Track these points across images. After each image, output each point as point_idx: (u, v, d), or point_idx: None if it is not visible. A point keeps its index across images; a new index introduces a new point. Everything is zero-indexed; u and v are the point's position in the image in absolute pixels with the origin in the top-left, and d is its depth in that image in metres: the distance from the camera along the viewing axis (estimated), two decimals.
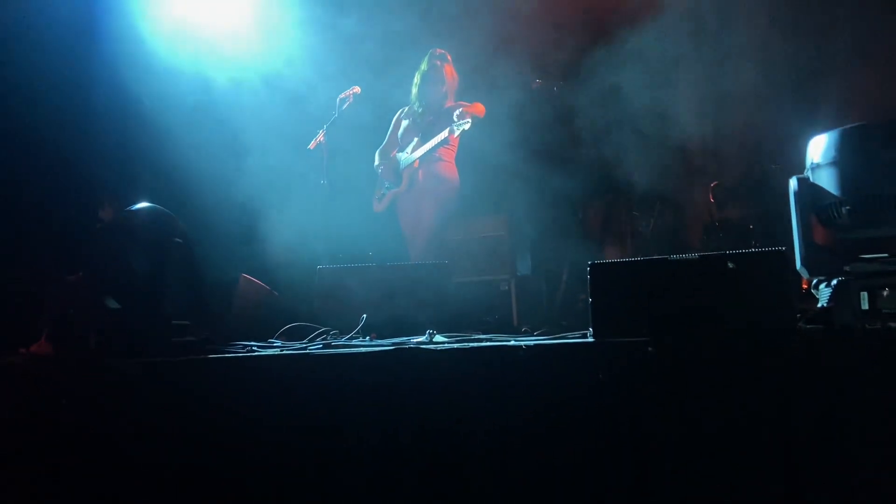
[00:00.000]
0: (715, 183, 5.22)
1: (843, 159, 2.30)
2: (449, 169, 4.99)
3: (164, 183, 4.42)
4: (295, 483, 2.34)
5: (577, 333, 2.70)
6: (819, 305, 2.35)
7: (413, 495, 2.27)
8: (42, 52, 4.22)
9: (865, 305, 2.21)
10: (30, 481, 2.45)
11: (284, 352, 2.66)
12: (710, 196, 5.22)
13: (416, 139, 5.02)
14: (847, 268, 2.28)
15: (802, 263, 2.39)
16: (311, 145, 4.84)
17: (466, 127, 4.66)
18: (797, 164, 2.57)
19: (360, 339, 2.95)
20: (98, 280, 2.79)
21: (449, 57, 5.07)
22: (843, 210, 2.30)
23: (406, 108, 5.23)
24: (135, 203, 2.93)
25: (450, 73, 5.05)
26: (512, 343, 2.43)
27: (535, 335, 2.87)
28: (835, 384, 2.08)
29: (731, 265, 2.30)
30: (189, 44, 4.93)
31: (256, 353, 2.66)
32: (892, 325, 2.18)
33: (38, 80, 4.17)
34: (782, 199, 2.66)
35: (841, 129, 2.34)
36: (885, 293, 2.21)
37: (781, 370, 2.12)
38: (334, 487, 2.32)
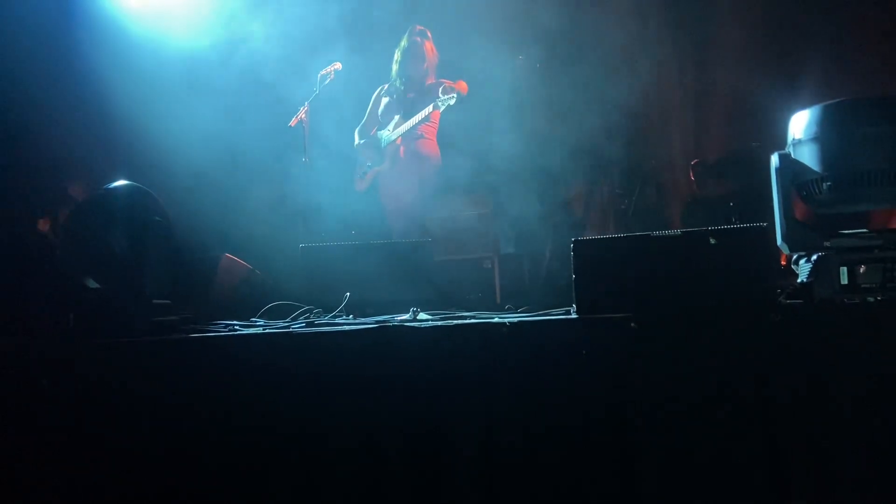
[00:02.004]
0: (695, 161, 5.24)
1: (824, 135, 2.31)
2: (430, 146, 4.97)
3: (142, 160, 4.35)
4: (279, 460, 2.34)
5: (560, 310, 2.71)
6: (799, 280, 2.37)
7: (396, 471, 2.27)
8: (13, 23, 4.12)
9: (845, 280, 2.24)
10: (10, 462, 2.44)
11: (267, 331, 2.65)
12: (691, 174, 5.25)
13: (397, 116, 4.98)
14: (827, 243, 2.30)
15: (783, 239, 2.41)
16: (292, 122, 4.78)
17: (452, 102, 4.64)
18: (779, 141, 2.59)
19: (344, 317, 2.94)
20: (77, 259, 2.75)
21: (429, 33, 5.03)
22: (824, 186, 2.32)
23: (386, 86, 5.18)
24: (113, 181, 2.88)
25: (430, 49, 5.01)
26: (496, 320, 2.43)
27: (519, 312, 2.87)
28: (815, 358, 2.11)
29: (712, 241, 2.31)
30: (168, 19, 4.84)
31: (239, 332, 2.65)
32: (871, 299, 2.21)
33: (7, 53, 4.07)
34: (763, 176, 2.68)
35: (822, 104, 2.35)
36: (862, 269, 2.24)
37: (762, 345, 2.15)
38: (318, 464, 2.32)
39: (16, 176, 4.14)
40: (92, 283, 2.69)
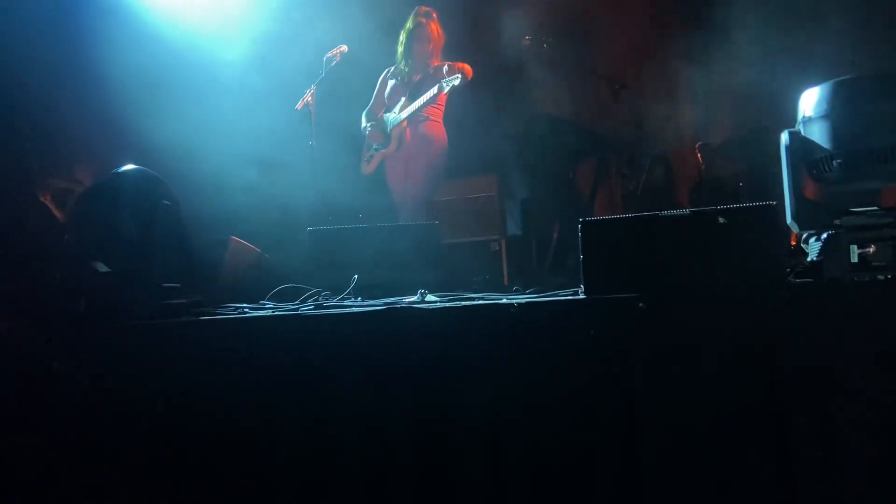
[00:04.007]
0: (700, 143, 5.21)
1: (834, 112, 2.28)
2: (437, 129, 4.95)
3: (150, 144, 4.35)
4: (287, 441, 2.36)
5: (568, 291, 2.71)
6: (809, 259, 2.36)
7: (404, 452, 2.29)
8: (18, 5, 4.12)
9: (855, 258, 2.22)
10: (20, 443, 2.46)
11: (276, 313, 2.66)
12: (698, 156, 5.21)
13: (403, 99, 4.96)
14: (837, 221, 2.28)
15: (793, 217, 2.39)
16: (299, 105, 4.77)
17: (456, 83, 4.62)
18: (788, 121, 2.56)
19: (352, 299, 2.95)
20: (86, 243, 2.76)
21: (434, 14, 4.99)
22: (835, 163, 2.29)
23: (392, 68, 5.16)
24: (121, 165, 2.89)
25: (436, 30, 4.98)
26: (504, 301, 2.44)
27: (527, 293, 2.87)
28: (824, 337, 2.10)
29: (722, 220, 2.30)
30: (175, 1, 4.83)
31: (248, 315, 2.66)
32: (881, 277, 2.20)
33: (13, 36, 4.07)
34: (772, 156, 2.66)
35: (833, 81, 2.32)
36: (871, 249, 2.22)
37: (771, 324, 2.14)
38: (327, 445, 2.34)
39: (24, 160, 4.15)
40: (102, 268, 2.70)
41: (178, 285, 2.83)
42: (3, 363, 2.50)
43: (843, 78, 2.32)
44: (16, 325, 2.63)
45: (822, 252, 2.28)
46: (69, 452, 2.44)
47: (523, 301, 2.37)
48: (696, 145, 5.17)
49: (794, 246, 3.08)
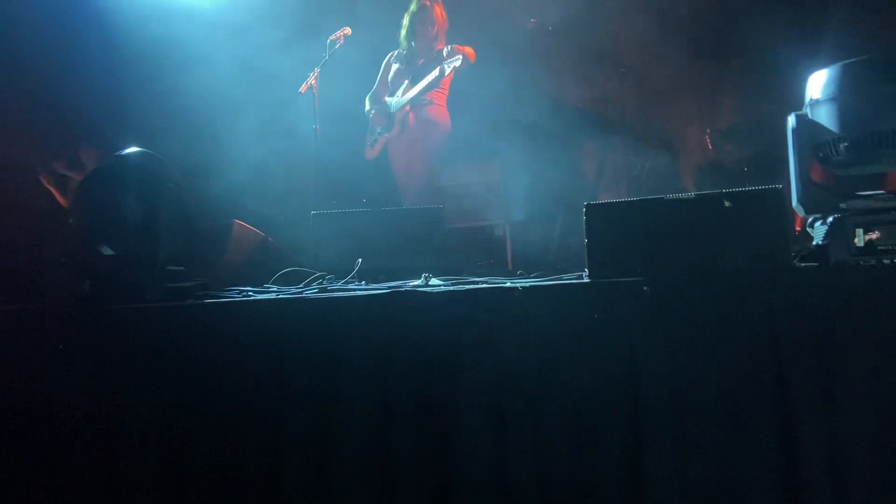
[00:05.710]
0: (709, 129, 5.18)
1: (842, 95, 2.26)
2: (440, 113, 4.93)
3: (154, 127, 4.35)
4: (291, 424, 2.37)
5: (572, 275, 2.70)
6: (814, 243, 2.35)
7: (408, 435, 2.29)
8: None
9: (861, 242, 2.21)
10: (25, 425, 2.48)
11: (280, 296, 2.66)
12: (708, 142, 5.19)
13: (406, 82, 4.95)
14: (843, 205, 2.27)
15: (799, 201, 2.38)
16: (302, 89, 4.75)
17: (457, 64, 4.60)
18: (796, 103, 2.54)
19: (356, 283, 2.95)
20: (91, 226, 2.76)
21: None
22: (841, 146, 2.28)
23: (396, 52, 5.14)
24: (125, 148, 2.88)
25: (439, 13, 4.95)
26: (508, 285, 2.43)
27: (531, 277, 2.87)
28: (830, 321, 2.10)
29: (727, 203, 2.29)
30: None
31: (253, 298, 2.66)
32: (887, 261, 2.19)
33: (21, 17, 4.06)
34: (778, 140, 2.64)
35: (841, 63, 2.29)
36: (877, 233, 2.21)
37: (776, 308, 2.14)
38: (331, 428, 2.35)
39: (26, 144, 4.15)
40: (106, 251, 2.71)
41: (182, 268, 2.83)
42: (8, 346, 2.51)
43: (851, 60, 2.29)
44: (21, 308, 2.64)
45: (827, 236, 2.27)
46: (74, 435, 2.46)
47: (527, 285, 2.37)
48: (706, 132, 5.14)
49: (799, 230, 3.07)
